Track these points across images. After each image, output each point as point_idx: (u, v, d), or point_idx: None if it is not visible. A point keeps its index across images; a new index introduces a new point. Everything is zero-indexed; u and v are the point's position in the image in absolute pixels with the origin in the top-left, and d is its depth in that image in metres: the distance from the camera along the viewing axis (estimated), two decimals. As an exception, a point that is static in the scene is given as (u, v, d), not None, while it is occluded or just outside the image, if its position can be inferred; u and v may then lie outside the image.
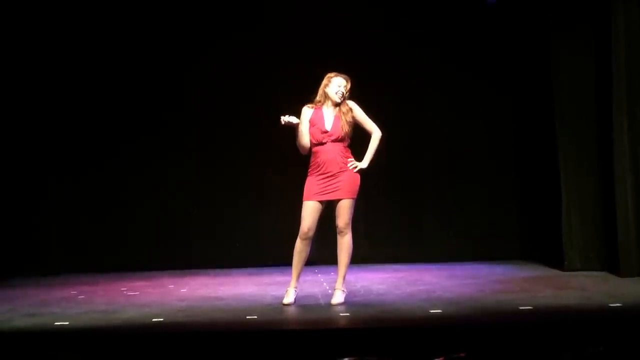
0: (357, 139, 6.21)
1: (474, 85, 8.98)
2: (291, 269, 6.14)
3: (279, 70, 8.77)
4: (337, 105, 6.07)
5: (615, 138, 7.26)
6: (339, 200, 6.01)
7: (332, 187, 6.00)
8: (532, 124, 8.69)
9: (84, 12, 8.82)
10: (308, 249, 6.08)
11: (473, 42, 8.93)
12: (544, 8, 7.94)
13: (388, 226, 9.07)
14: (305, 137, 6.05)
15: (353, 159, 6.08)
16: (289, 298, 6.10)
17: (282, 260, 8.65)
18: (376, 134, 6.15)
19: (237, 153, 9.05)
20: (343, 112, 6.05)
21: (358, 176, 6.07)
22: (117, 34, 8.96)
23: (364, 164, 6.08)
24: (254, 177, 9.09)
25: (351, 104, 6.12)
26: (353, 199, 6.03)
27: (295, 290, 6.14)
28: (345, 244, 6.05)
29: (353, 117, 6.08)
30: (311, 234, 6.02)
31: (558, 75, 7.74)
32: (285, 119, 6.02)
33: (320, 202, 6.02)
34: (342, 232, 6.04)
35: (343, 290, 6.13)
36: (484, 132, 9.04)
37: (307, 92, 6.22)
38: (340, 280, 6.11)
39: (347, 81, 6.10)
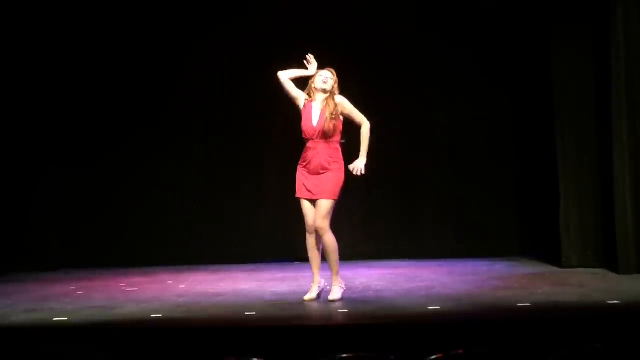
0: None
1: (475, 84, 8.96)
2: (308, 265, 6.18)
3: (279, 66, 8.73)
4: (324, 99, 6.07)
5: (614, 137, 7.27)
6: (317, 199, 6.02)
7: (315, 187, 6.01)
8: (531, 122, 8.69)
9: (80, 10, 8.79)
10: (319, 244, 6.07)
11: (473, 42, 8.91)
12: (544, 8, 7.93)
13: (387, 223, 9.07)
14: (290, 76, 6.17)
15: (340, 160, 6.04)
16: (310, 294, 6.13)
17: (281, 257, 8.72)
18: (365, 125, 6.10)
19: (236, 149, 9.05)
20: (329, 107, 6.04)
21: (341, 178, 6.03)
22: (110, 32, 8.93)
23: (362, 159, 6.04)
24: (252, 174, 9.09)
25: (339, 98, 6.10)
26: (332, 199, 5.99)
27: (319, 287, 6.15)
28: (326, 243, 6.02)
29: (340, 112, 6.05)
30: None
31: (558, 75, 7.74)
32: (311, 63, 6.16)
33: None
34: (320, 232, 6.00)
35: (340, 287, 6.14)
36: (485, 130, 9.02)
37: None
38: (334, 277, 6.12)
39: (332, 74, 6.13)
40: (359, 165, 6.03)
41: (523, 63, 8.71)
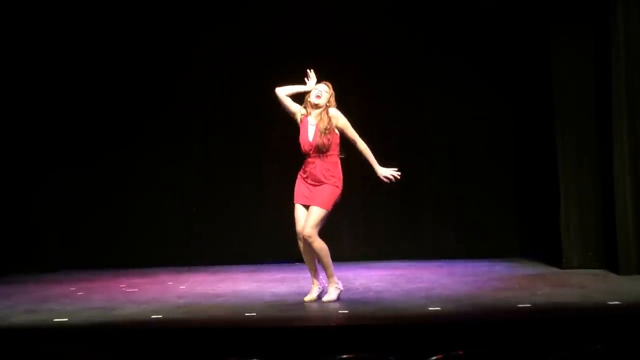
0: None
1: (475, 85, 8.95)
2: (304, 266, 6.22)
3: (279, 64, 8.72)
4: (318, 112, 6.06)
5: (614, 137, 7.27)
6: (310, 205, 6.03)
7: (310, 194, 6.02)
8: (531, 122, 8.69)
9: (80, 11, 8.80)
10: (311, 247, 6.08)
11: (473, 43, 8.90)
12: (543, 8, 7.93)
13: (387, 224, 9.06)
14: (288, 92, 6.14)
15: (338, 175, 6.03)
16: (311, 295, 6.14)
17: (281, 258, 8.72)
18: (360, 142, 6.09)
19: (236, 150, 9.04)
20: (322, 121, 6.02)
21: (336, 192, 6.01)
22: (111, 33, 8.92)
23: (380, 168, 6.07)
24: (252, 174, 9.09)
25: (333, 111, 6.08)
26: (324, 209, 5.97)
27: (319, 288, 6.16)
28: (316, 250, 6.00)
29: (335, 125, 6.03)
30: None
31: (558, 75, 7.74)
32: (310, 78, 6.13)
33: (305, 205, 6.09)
34: (308, 240, 5.96)
35: (337, 287, 6.13)
36: (484, 131, 9.01)
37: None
38: (329, 279, 6.12)
39: (328, 87, 6.12)
40: (386, 172, 6.05)
41: (523, 63, 8.71)
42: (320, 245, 5.99)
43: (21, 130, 8.76)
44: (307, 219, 5.96)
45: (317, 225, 5.95)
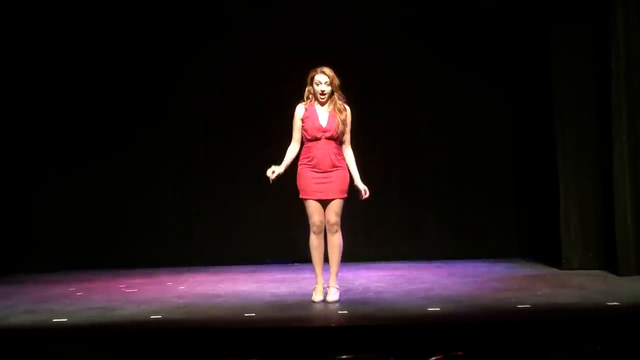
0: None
1: (474, 85, 8.94)
2: (312, 265, 6.20)
3: (278, 64, 8.73)
4: (330, 102, 6.08)
5: (614, 137, 7.27)
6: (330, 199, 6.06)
7: (325, 186, 6.04)
8: (531, 123, 8.69)
9: (81, 9, 8.80)
10: (324, 243, 6.10)
11: (473, 43, 8.90)
12: (543, 8, 7.93)
13: (387, 224, 9.06)
14: (289, 162, 6.16)
15: (344, 158, 6.14)
16: (317, 295, 6.13)
17: (281, 258, 8.73)
18: (350, 150, 6.17)
19: (236, 149, 9.03)
20: (339, 110, 6.06)
21: (348, 176, 6.12)
22: (111, 28, 8.91)
23: (360, 184, 6.14)
24: (252, 175, 9.04)
25: (348, 110, 6.15)
26: (344, 198, 6.08)
27: (324, 287, 6.16)
28: (335, 241, 6.07)
29: (345, 119, 6.11)
30: (323, 226, 6.08)
31: (558, 75, 7.74)
32: (272, 176, 6.07)
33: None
34: (332, 229, 6.05)
35: (337, 288, 6.14)
36: (484, 132, 9.01)
37: (305, 86, 6.22)
38: (333, 277, 6.12)
39: (327, 75, 6.07)
40: (363, 187, 6.13)
41: (523, 63, 8.71)
42: (341, 237, 6.09)
43: (21, 130, 8.75)
44: (332, 210, 6.03)
45: (340, 212, 6.06)
